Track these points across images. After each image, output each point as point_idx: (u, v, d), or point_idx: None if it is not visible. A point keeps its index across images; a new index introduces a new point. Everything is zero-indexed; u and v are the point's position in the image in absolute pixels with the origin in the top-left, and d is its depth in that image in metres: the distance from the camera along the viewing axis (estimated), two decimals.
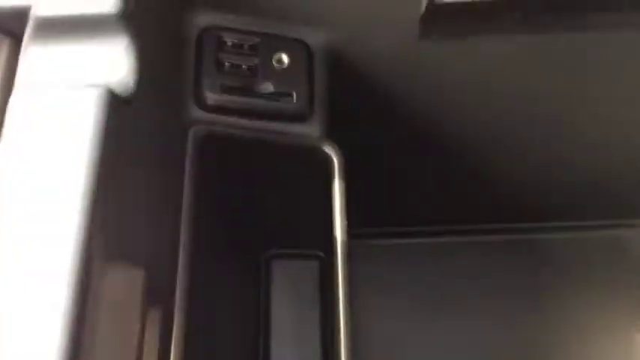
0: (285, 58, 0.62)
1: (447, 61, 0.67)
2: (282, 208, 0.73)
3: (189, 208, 0.58)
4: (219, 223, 0.70)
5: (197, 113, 0.60)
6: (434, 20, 0.59)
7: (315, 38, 0.63)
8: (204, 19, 0.61)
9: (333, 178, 0.62)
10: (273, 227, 0.76)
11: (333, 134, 0.64)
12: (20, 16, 0.52)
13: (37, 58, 0.49)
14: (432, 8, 0.56)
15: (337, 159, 0.62)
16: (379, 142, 0.76)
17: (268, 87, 0.61)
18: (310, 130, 0.62)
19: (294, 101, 0.61)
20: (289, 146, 0.62)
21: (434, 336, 0.87)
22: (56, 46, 0.49)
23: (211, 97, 0.60)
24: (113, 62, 0.48)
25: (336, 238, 0.61)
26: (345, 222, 0.62)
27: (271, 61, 0.62)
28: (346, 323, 0.59)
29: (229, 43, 0.62)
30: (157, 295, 0.53)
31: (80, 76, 0.48)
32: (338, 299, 0.60)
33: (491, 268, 0.88)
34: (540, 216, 0.88)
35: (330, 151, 0.62)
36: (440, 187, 0.83)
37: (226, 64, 0.61)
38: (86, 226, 0.41)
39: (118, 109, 0.47)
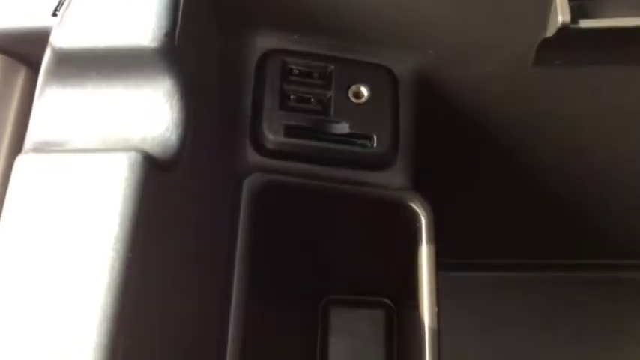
0: (364, 90, 0.50)
1: (559, 90, 0.56)
2: (348, 253, 0.62)
3: (242, 258, 0.48)
4: (275, 269, 0.60)
5: (254, 159, 0.49)
6: (558, 45, 0.47)
7: (402, 64, 0.51)
8: (265, 40, 0.50)
9: (420, 238, 0.51)
10: (334, 272, 0.66)
11: (418, 179, 0.52)
12: (38, 40, 0.41)
13: (54, 105, 0.38)
14: (563, 33, 0.44)
15: (425, 215, 0.51)
16: (468, 177, 0.64)
17: (343, 127, 0.50)
18: (393, 179, 0.51)
19: (375, 145, 0.50)
20: (367, 199, 0.51)
21: None
22: (79, 89, 0.38)
23: (272, 141, 0.49)
24: (152, 116, 0.37)
25: (424, 291, 0.51)
26: (435, 283, 0.51)
27: (347, 93, 0.50)
28: None
29: (296, 71, 0.50)
30: (208, 346, 0.45)
31: (109, 134, 0.36)
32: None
33: (587, 306, 0.81)
34: (628, 253, 0.78)
35: (416, 205, 0.51)
36: (532, 222, 0.73)
37: (292, 97, 0.50)
38: (117, 299, 0.32)
39: (157, 177, 0.36)
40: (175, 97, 0.38)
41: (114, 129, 0.37)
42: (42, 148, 0.36)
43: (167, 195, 0.37)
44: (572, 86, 0.55)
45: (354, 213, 0.53)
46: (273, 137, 0.48)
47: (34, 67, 0.45)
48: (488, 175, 0.63)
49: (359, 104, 0.50)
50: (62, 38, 0.38)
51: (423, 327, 0.50)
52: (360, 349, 0.68)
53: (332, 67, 0.50)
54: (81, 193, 0.34)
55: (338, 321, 0.68)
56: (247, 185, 0.48)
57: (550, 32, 0.45)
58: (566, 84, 0.55)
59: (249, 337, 0.48)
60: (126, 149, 0.35)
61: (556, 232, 0.74)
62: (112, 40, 0.37)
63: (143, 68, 0.37)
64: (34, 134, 0.37)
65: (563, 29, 0.44)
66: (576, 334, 0.79)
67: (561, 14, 0.43)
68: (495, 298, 0.82)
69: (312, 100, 0.50)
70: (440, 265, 0.71)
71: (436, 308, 0.50)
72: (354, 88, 0.50)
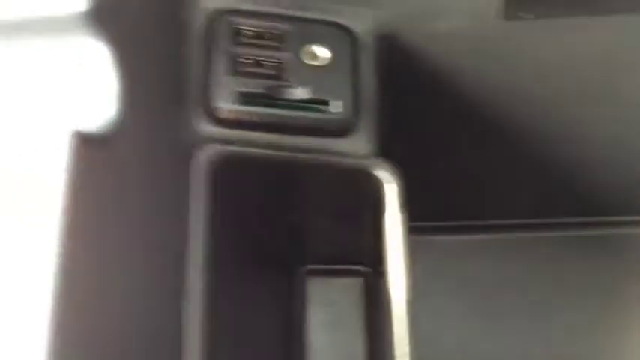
0: (321, 51, 0.47)
1: (533, 44, 0.53)
2: (321, 223, 0.60)
3: (198, 236, 0.45)
4: (242, 243, 0.58)
5: (206, 129, 0.46)
6: None
7: (363, 22, 0.49)
8: (213, 0, 0.46)
9: (388, 207, 0.48)
10: (309, 242, 0.64)
11: (384, 144, 0.49)
12: None
13: None
14: None
15: (392, 184, 0.48)
16: (438, 139, 0.62)
17: (299, 92, 0.47)
18: (356, 146, 0.48)
19: (335, 110, 0.47)
20: (330, 168, 0.48)
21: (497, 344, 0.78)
22: None
23: (224, 109, 0.45)
24: (82, 87, 0.34)
25: (392, 258, 0.49)
26: (405, 253, 0.49)
27: (303, 56, 0.47)
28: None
29: (248, 33, 0.47)
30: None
31: (32, 112, 0.33)
32: (391, 325, 0.48)
33: (562, 265, 0.80)
34: (617, 210, 0.77)
35: (382, 173, 0.48)
36: (507, 181, 0.71)
37: (244, 61, 0.47)
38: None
39: (91, 153, 0.33)
40: (111, 68, 0.35)
41: (39, 105, 0.34)
42: None
43: (102, 175, 0.34)
44: (547, 40, 0.52)
45: (317, 182, 0.51)
46: (224, 105, 0.45)
47: None
48: (460, 136, 0.61)
49: (316, 67, 0.47)
50: None
51: (393, 295, 0.48)
52: (339, 318, 0.67)
53: (285, 27, 0.47)
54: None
55: (315, 291, 0.67)
56: (199, 157, 0.45)
57: None
58: (539, 37, 0.52)
59: (214, 315, 0.46)
60: (52, 126, 0.32)
61: (535, 191, 0.72)
62: (33, 7, 0.34)
63: (70, 36, 0.34)
64: None
65: None
66: (560, 294, 0.78)
67: None
68: (476, 261, 0.80)
69: (266, 63, 0.47)
70: (417, 228, 0.69)
71: (405, 279, 0.47)
72: (310, 49, 0.47)
